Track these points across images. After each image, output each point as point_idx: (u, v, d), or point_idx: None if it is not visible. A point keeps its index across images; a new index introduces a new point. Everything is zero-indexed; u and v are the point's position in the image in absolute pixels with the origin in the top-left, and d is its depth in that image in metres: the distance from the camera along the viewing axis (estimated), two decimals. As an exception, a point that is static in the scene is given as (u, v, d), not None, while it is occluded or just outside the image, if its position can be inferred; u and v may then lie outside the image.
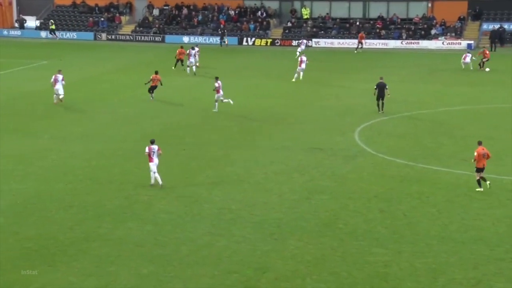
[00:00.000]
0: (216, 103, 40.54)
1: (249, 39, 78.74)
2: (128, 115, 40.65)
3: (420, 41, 74.83)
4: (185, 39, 79.13)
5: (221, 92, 40.56)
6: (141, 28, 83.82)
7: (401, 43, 75.16)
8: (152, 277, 19.23)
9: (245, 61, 65.88)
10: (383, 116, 38.73)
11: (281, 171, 29.06)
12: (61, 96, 42.57)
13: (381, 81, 40.03)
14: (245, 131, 36.53)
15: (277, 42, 77.82)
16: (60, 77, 42.59)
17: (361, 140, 33.86)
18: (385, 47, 74.58)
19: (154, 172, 26.99)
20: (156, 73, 44.38)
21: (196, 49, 57.62)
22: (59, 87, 42.40)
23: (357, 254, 20.68)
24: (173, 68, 56.85)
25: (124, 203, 25.26)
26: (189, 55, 55.06)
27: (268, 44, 77.88)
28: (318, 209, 24.44)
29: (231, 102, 40.59)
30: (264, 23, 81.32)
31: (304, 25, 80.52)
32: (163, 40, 79.88)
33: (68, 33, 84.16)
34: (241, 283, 18.88)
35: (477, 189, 26.44)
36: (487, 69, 55.88)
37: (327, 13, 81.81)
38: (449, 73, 55.49)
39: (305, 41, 70.72)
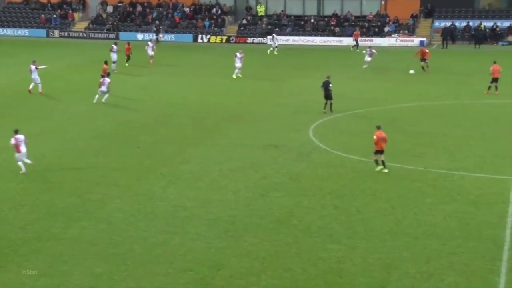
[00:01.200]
0: (97, 96, 41.98)
1: (204, 36, 78.62)
2: (82, 113, 40.24)
3: (373, 38, 75.62)
4: (140, 36, 78.72)
5: (103, 88, 41.71)
6: (94, 25, 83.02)
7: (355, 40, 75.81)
8: (105, 276, 19.06)
9: (200, 58, 65.71)
10: (337, 113, 38.93)
11: (236, 168, 29.07)
12: (37, 84, 44.97)
13: (326, 79, 39.29)
14: (200, 129, 36.45)
15: (232, 39, 77.86)
16: (33, 67, 44.85)
17: (316, 137, 34.05)
18: (340, 44, 75.19)
19: (21, 161, 27.81)
20: (106, 63, 46.11)
21: (150, 44, 59.11)
22: (35, 76, 44.81)
23: (312, 250, 20.79)
24: (126, 64, 56.91)
25: (77, 201, 24.98)
26: (111, 50, 55.37)
27: (223, 41, 77.88)
28: (273, 206, 24.51)
29: (104, 100, 41.77)
30: (219, 20, 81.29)
31: (259, 22, 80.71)
32: (117, 37, 79.20)
33: (20, 30, 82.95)
34: (195, 281, 18.83)
35: (376, 169, 28.23)
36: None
37: (282, 10, 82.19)
38: (401, 71, 56.10)
39: (274, 35, 70.75)
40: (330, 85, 38.90)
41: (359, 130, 35.98)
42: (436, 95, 45.84)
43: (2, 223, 22.91)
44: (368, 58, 56.99)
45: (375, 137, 28.16)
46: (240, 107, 41.71)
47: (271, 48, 67.95)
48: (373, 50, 57.88)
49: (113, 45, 55.71)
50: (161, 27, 78.39)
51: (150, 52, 59.13)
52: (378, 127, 28.69)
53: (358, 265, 19.78)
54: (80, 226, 22.59)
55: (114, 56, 55.10)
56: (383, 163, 28.24)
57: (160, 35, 77.09)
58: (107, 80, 41.98)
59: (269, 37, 71.64)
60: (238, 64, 52.13)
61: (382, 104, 42.65)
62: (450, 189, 26.43)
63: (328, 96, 38.88)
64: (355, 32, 73.22)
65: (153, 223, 22.90)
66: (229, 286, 18.54)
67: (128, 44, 59.08)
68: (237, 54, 52.59)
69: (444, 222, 23.10)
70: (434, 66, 55.72)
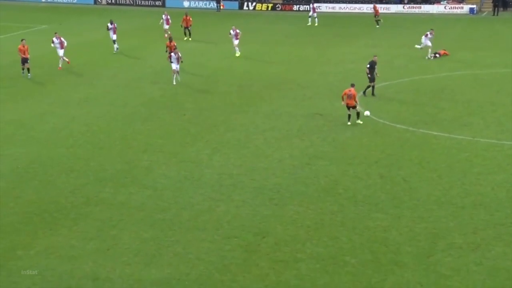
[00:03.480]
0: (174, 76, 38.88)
1: (249, 3, 78.22)
2: (128, 80, 40.57)
3: (422, 6, 74.32)
4: (186, 3, 78.66)
5: (175, 67, 38.55)
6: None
7: (403, 7, 74.67)
8: (153, 241, 19.36)
9: (246, 26, 65.37)
10: (384, 81, 38.40)
11: (281, 136, 29.07)
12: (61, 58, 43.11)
13: (374, 59, 35.62)
14: (245, 96, 36.47)
15: (278, 7, 77.35)
16: (55, 40, 43.03)
17: (362, 105, 33.71)
18: (387, 11, 74.05)
19: None
20: (170, 40, 43.53)
21: (113, 25, 49.35)
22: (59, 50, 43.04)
23: (357, 219, 20.77)
24: (184, 39, 54.14)
25: (125, 167, 25.32)
26: (109, 29, 49.23)
27: (269, 8, 77.40)
28: (318, 175, 24.49)
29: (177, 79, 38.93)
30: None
31: (306, -11, 79.86)
32: (163, 5, 79.39)
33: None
34: (241, 248, 19.00)
35: (348, 123, 30.27)
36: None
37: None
38: (450, 38, 55.10)
39: (311, 5, 68.45)
40: (376, 66, 35.26)
41: (407, 98, 35.61)
42: (486, 64, 44.96)
43: (52, 187, 23.38)
44: (428, 42, 46.50)
45: (343, 92, 30.64)
46: (285, 75, 41.53)
47: (315, 19, 64.58)
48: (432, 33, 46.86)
49: (108, 24, 49.44)
50: None
51: (166, 26, 54.87)
52: (352, 85, 30.63)
53: (404, 235, 19.70)
54: (127, 192, 22.92)
55: (112, 35, 49.00)
56: (357, 114, 30.60)
57: (222, 4, 76.64)
58: (173, 55, 38.62)
59: (311, 5, 67.14)
60: (235, 41, 47.62)
61: (431, 73, 42.03)
62: (499, 159, 26.04)
63: (372, 77, 35.42)
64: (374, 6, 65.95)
65: (199, 190, 23.10)
66: (274, 253, 18.66)
67: (186, 15, 55.40)
68: (231, 31, 48.00)
69: (492, 192, 22.81)
70: (484, 34, 54.52)
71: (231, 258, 18.42)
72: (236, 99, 35.85)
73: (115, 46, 49.01)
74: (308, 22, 64.62)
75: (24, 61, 40.29)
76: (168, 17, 55.48)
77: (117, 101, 35.47)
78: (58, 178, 24.28)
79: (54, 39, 43.06)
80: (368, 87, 35.68)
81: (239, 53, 47.65)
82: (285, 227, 20.25)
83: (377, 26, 62.32)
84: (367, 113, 30.91)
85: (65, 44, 42.95)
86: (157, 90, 37.72)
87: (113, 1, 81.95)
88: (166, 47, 43.26)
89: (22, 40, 40.99)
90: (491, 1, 72.42)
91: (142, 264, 18.14)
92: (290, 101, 35.11)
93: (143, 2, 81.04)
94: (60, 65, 42.95)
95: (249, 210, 21.42)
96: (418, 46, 47.57)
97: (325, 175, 24.45)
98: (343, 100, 30.59)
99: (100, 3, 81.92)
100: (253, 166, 25.44)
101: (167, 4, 78.94)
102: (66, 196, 22.55)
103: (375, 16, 63.75)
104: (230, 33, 48.22)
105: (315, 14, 64.96)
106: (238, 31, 47.87)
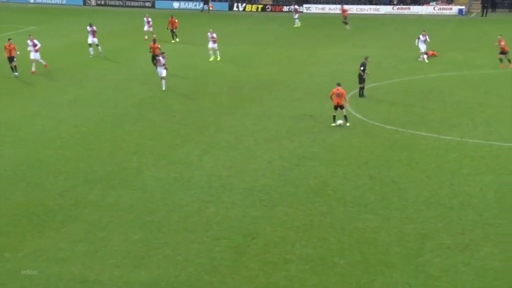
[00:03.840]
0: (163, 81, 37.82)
1: (239, 4, 78.26)
2: (118, 81, 40.49)
3: (411, 7, 74.57)
4: (176, 4, 78.64)
5: (163, 73, 37.32)
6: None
7: (392, 8, 74.90)
8: (142, 243, 19.31)
9: (236, 27, 65.46)
10: (373, 82, 38.51)
11: (271, 137, 29.07)
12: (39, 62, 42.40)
13: (364, 61, 35.96)
14: (235, 98, 36.46)
15: (268, 8, 77.44)
16: (29, 42, 42.19)
17: (351, 106, 33.76)
18: (376, 12, 74.30)
19: None
20: (154, 41, 43.35)
21: (92, 28, 47.84)
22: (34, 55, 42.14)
23: (346, 220, 20.79)
24: (172, 41, 53.87)
25: (114, 169, 25.25)
26: (88, 32, 47.80)
27: (259, 9, 77.47)
28: (307, 176, 24.50)
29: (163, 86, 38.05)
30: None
31: (295, -10, 79.96)
32: (153, 6, 79.36)
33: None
34: (230, 249, 18.98)
35: (332, 124, 30.32)
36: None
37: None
38: (439, 39, 55.26)
39: (295, 7, 68.45)
40: (362, 68, 35.47)
41: (396, 99, 35.69)
42: (475, 65, 45.12)
43: (40, 189, 23.29)
44: (422, 46, 45.86)
45: (331, 92, 30.72)
46: (275, 76, 41.55)
47: (296, 20, 64.80)
48: (426, 36, 46.19)
49: (87, 27, 48.00)
50: None
51: (146, 28, 54.62)
52: (338, 84, 30.75)
53: (393, 235, 19.73)
54: (116, 194, 22.86)
55: (91, 39, 47.65)
56: (345, 117, 30.44)
57: (211, 5, 76.54)
58: (162, 60, 37.32)
59: (293, 7, 67.69)
60: (210, 45, 46.41)
61: (420, 74, 42.15)
62: (488, 160, 26.13)
63: (363, 79, 35.56)
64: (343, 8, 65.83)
65: (189, 191, 23.07)
66: (263, 255, 18.66)
67: (172, 17, 55.10)
68: (208, 34, 46.81)
69: (481, 193, 22.89)
70: (473, 35, 54.65)
71: (220, 260, 18.40)
72: (225, 100, 35.83)
73: (99, 48, 47.84)
74: (294, 24, 64.64)
75: (11, 60, 40.54)
76: (150, 19, 55.28)
77: (106, 102, 35.39)
78: (46, 180, 24.19)
79: (28, 41, 42.33)
80: (361, 88, 35.82)
81: (213, 57, 46.47)
82: (274, 229, 20.25)
83: (348, 28, 61.53)
84: (339, 122, 30.54)
85: (38, 45, 41.97)
86: (146, 91, 37.66)
87: (102, 2, 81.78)
88: (150, 48, 43.22)
89: (9, 39, 41.21)
90: (480, 2, 72.72)
91: (131, 266, 18.09)
92: (279, 102, 35.13)
93: (132, 3, 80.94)
94: (33, 69, 41.88)
95: (239, 212, 21.41)
96: (423, 53, 46.02)
97: (314, 176, 24.46)
98: (332, 99, 30.68)
99: (90, 4, 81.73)
100: (243, 167, 25.43)
101: (157, 5, 78.92)
102: (55, 198, 22.47)
103: (343, 18, 62.80)
104: (208, 35, 47.09)
105: (296, 15, 64.97)
106: (214, 35, 46.58)
